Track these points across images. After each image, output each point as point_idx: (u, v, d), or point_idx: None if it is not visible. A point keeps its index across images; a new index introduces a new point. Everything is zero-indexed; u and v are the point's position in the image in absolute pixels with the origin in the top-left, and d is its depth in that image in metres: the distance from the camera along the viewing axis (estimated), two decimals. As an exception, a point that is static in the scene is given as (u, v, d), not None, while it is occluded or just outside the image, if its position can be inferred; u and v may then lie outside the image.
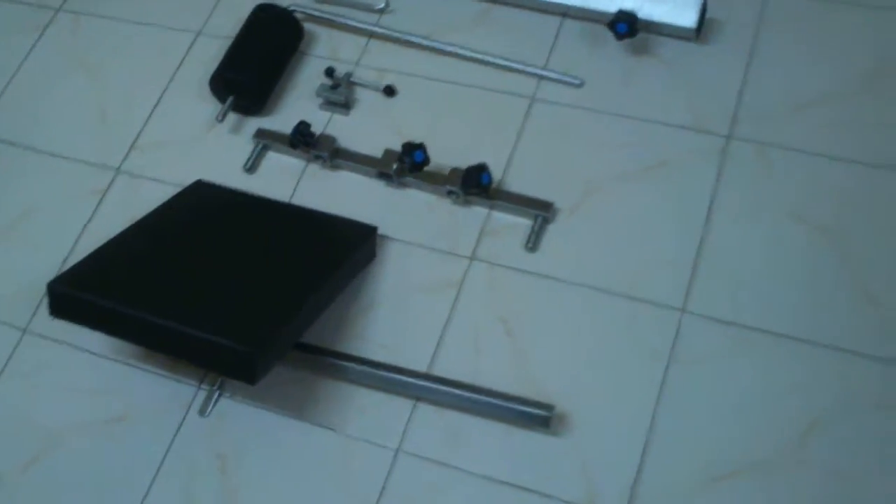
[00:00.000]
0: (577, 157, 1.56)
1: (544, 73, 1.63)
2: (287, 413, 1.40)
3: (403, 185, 1.56)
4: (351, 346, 1.43)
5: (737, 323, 1.37)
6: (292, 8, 1.74)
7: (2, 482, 1.41)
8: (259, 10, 1.71)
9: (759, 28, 1.61)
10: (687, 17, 1.59)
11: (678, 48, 1.63)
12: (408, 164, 1.49)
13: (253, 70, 1.64)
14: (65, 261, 1.57)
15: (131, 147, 1.68)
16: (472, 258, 1.49)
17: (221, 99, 1.65)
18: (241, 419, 1.40)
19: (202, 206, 1.53)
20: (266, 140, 1.62)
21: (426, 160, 1.50)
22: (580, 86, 1.62)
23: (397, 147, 1.55)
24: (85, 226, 1.60)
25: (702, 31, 1.61)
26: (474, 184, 1.47)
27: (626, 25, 1.56)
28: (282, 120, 1.66)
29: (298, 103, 1.68)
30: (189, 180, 1.60)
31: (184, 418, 1.42)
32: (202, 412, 1.41)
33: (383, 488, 1.33)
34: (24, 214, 1.64)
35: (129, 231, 1.45)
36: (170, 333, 1.24)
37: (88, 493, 1.39)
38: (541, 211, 1.49)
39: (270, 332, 1.27)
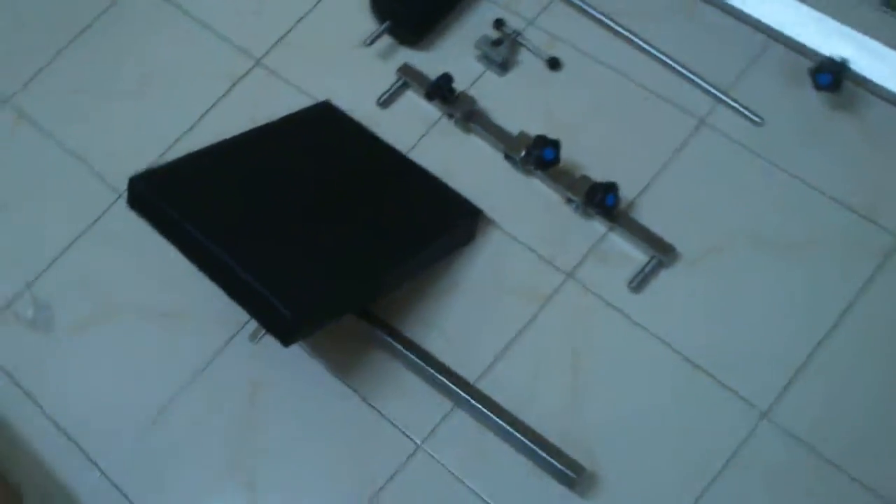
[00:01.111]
0: (722, 202, 1.39)
1: (725, 97, 1.44)
2: (331, 369, 1.36)
3: (528, 173, 1.44)
4: (415, 325, 1.36)
5: (815, 449, 1.22)
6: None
7: (52, 330, 1.44)
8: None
9: None
10: (906, 87, 1.37)
11: (887, 116, 1.41)
12: (534, 157, 1.36)
13: (413, 2, 1.53)
14: (178, 140, 1.54)
15: (277, 42, 1.61)
16: (570, 276, 1.37)
17: (379, 20, 1.55)
18: (284, 358, 1.36)
19: (319, 131, 1.46)
20: (408, 78, 1.51)
21: (556, 160, 1.37)
22: (760, 124, 1.43)
23: (538, 130, 1.43)
24: (209, 108, 1.57)
25: (919, 106, 1.39)
26: (597, 202, 1.34)
27: (829, 77, 1.35)
28: (434, 60, 1.55)
29: (456, 47, 1.56)
30: (321, 94, 1.54)
31: (233, 336, 1.40)
32: (252, 337, 1.38)
33: (392, 476, 1.29)
34: (157, 74, 1.62)
35: (237, 140, 1.39)
36: (223, 267, 1.19)
37: (126, 372, 1.40)
38: (659, 252, 1.34)
39: (322, 299, 1.21)
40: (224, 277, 1.21)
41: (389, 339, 1.32)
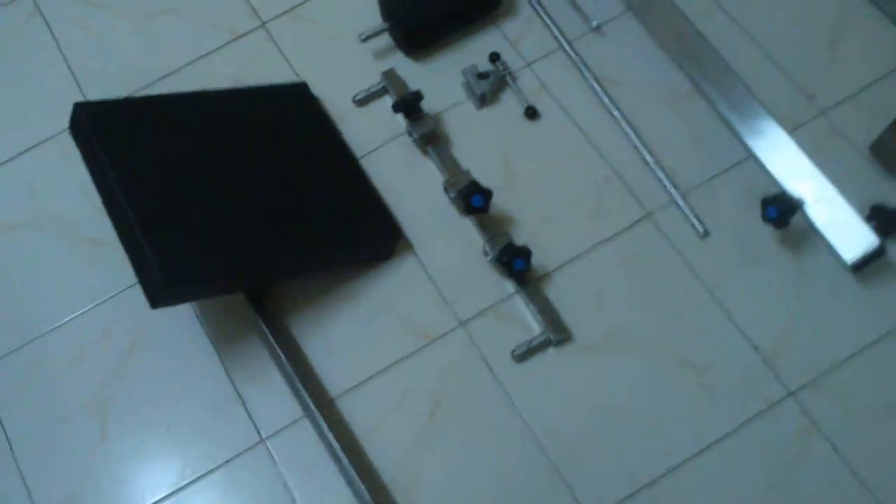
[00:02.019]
0: (637, 300, 1.37)
1: (681, 200, 1.41)
2: (212, 339, 1.39)
3: (462, 211, 1.43)
4: (303, 323, 1.39)
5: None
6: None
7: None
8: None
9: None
10: (850, 248, 1.31)
11: (825, 269, 1.36)
12: (463, 199, 1.36)
13: (420, 13, 1.52)
14: (161, 78, 1.58)
15: (288, 10, 1.63)
16: (463, 325, 1.37)
17: (383, 18, 1.55)
18: (174, 317, 1.40)
19: (283, 111, 1.47)
20: (389, 83, 1.52)
21: (483, 209, 1.36)
22: (703, 237, 1.39)
23: (491, 172, 1.43)
24: (200, 56, 1.60)
25: (862, 269, 1.33)
26: (505, 262, 1.33)
27: (776, 213, 1.30)
28: (423, 73, 1.55)
29: (449, 67, 1.55)
30: (308, 73, 1.56)
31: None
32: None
33: (229, 460, 1.32)
34: (173, 7, 1.66)
35: (201, 96, 1.43)
36: (124, 216, 1.23)
37: (28, 284, 1.46)
38: (553, 330, 1.33)
39: (203, 272, 1.23)
40: (122, 226, 1.25)
41: (267, 332, 1.35)
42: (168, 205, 1.27)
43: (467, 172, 1.41)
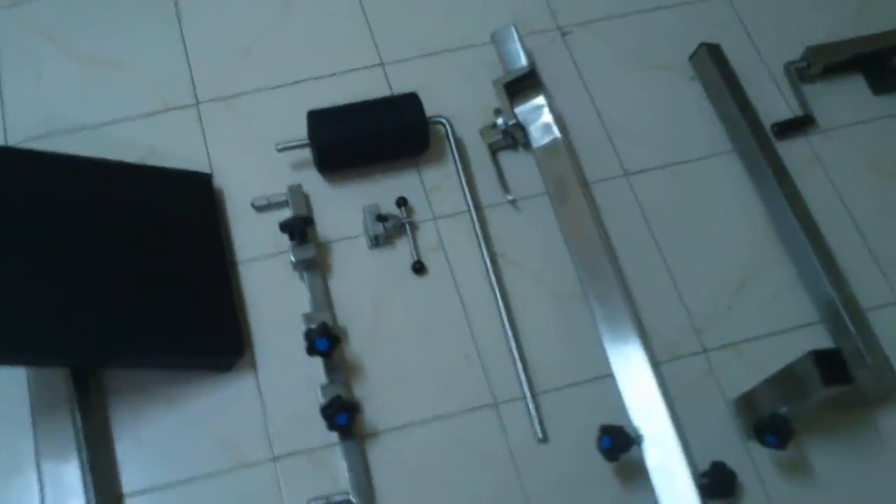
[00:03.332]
0: (451, 486, 1.33)
1: (528, 396, 1.37)
2: (29, 393, 1.36)
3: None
4: (122, 410, 1.36)
5: None
6: (438, 119, 1.57)
7: None
8: (404, 98, 1.55)
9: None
10: (671, 502, 1.27)
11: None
12: (306, 339, 1.33)
13: (341, 139, 1.50)
14: (79, 130, 1.57)
15: (225, 98, 1.62)
16: (275, 460, 1.33)
17: (306, 132, 1.54)
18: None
19: (173, 196, 1.46)
20: (291, 198, 1.50)
21: (327, 353, 1.33)
22: (540, 441, 1.35)
23: (360, 315, 1.44)
24: (122, 119, 1.58)
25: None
26: (328, 414, 1.30)
27: (609, 445, 1.26)
28: (332, 195, 1.54)
29: (358, 197, 1.52)
30: (221, 164, 1.55)
31: None
32: None
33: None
34: (112, 63, 1.65)
35: (92, 162, 1.42)
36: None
37: None
38: (355, 494, 1.28)
39: (18, 343, 1.21)
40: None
41: (77, 412, 1.31)
42: (10, 267, 1.26)
43: (326, 312, 1.39)
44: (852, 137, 1.63)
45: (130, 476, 1.32)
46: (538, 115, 1.55)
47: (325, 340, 1.33)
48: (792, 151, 1.61)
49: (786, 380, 1.28)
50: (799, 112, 1.64)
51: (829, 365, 1.22)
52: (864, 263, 1.52)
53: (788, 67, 1.67)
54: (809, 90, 1.67)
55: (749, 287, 1.50)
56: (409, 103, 1.54)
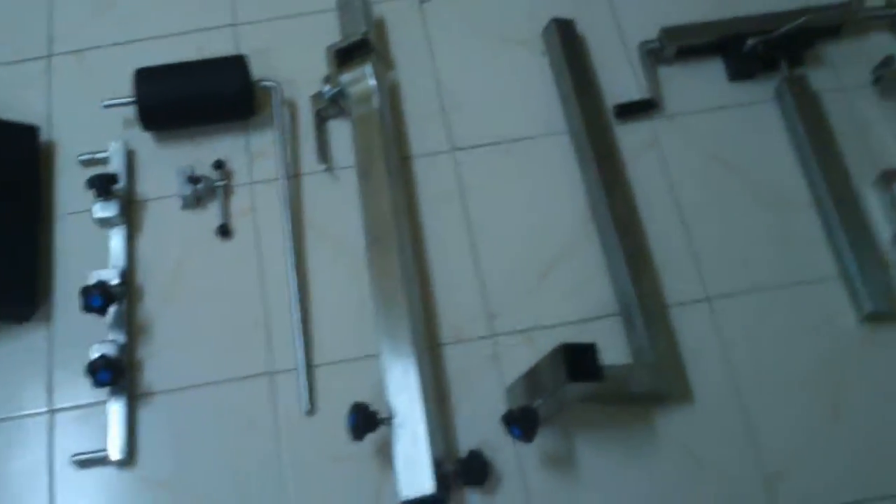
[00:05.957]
0: (213, 449, 1.35)
1: (302, 368, 1.38)
2: None
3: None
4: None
5: None
6: (267, 84, 1.56)
7: None
8: (231, 60, 1.55)
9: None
10: (408, 485, 1.25)
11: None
12: (81, 295, 1.36)
13: (162, 95, 1.51)
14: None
15: (76, 51, 1.64)
16: (50, 413, 1.38)
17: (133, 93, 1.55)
18: None
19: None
20: (112, 155, 1.53)
21: (101, 310, 1.36)
22: (307, 413, 1.36)
23: (156, 271, 1.46)
24: None
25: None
26: (90, 372, 1.32)
27: (354, 421, 1.26)
28: (157, 152, 1.56)
29: (179, 156, 1.54)
30: (61, 118, 1.59)
31: None
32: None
33: None
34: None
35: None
36: None
37: None
38: (124, 451, 1.33)
39: None
40: None
41: None
42: None
43: (112, 271, 1.42)
44: (698, 124, 1.56)
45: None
46: (362, 85, 1.53)
47: (99, 298, 1.35)
48: (632, 135, 1.55)
49: (539, 372, 1.26)
50: (648, 94, 1.57)
51: (579, 360, 1.19)
52: (680, 257, 1.46)
53: (642, 48, 1.60)
54: (666, 73, 1.60)
55: (555, 274, 1.46)
56: (235, 66, 1.54)
